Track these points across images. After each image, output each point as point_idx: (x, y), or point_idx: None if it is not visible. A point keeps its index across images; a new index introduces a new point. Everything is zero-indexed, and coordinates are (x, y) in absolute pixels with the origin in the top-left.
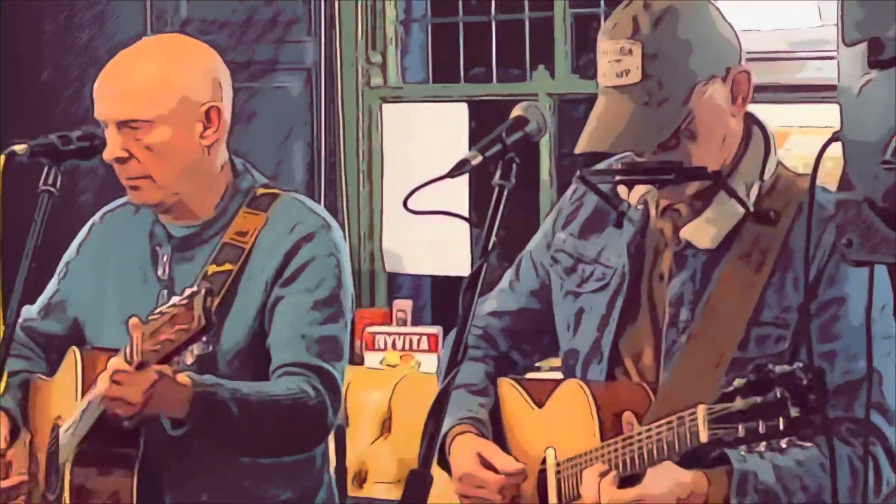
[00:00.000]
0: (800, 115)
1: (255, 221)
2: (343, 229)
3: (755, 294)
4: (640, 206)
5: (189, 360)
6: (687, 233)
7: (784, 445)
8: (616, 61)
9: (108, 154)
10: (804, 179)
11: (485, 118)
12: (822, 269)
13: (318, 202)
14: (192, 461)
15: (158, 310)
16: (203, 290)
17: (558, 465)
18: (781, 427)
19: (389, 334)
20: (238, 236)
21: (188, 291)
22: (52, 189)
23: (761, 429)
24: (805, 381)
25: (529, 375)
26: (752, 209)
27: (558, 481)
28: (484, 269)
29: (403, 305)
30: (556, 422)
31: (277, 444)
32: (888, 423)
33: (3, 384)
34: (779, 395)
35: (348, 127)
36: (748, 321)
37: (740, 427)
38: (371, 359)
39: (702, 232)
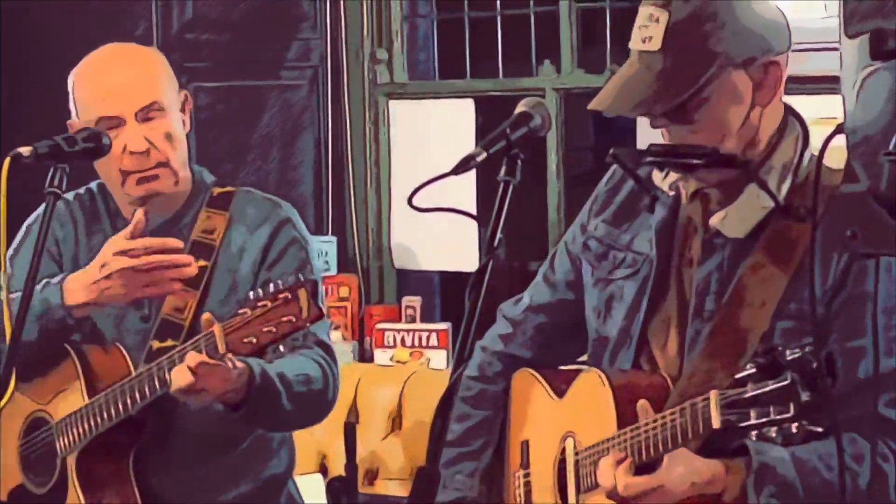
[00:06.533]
0: (807, 107)
1: (219, 220)
2: (351, 226)
3: (781, 287)
4: (671, 192)
5: (283, 349)
6: (716, 221)
7: (794, 430)
8: (644, 27)
9: (135, 146)
10: (838, 174)
11: (492, 113)
12: (848, 265)
13: (326, 199)
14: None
15: (243, 308)
16: (308, 283)
17: (577, 454)
18: (792, 412)
19: (399, 331)
20: (205, 234)
21: (280, 286)
22: (57, 191)
23: (772, 413)
24: (815, 365)
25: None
26: (782, 203)
27: (577, 470)
28: (490, 265)
29: (412, 302)
30: (576, 411)
31: (304, 420)
32: None
33: None
34: (789, 379)
35: (355, 124)
36: (773, 313)
37: (752, 412)
38: (381, 356)
39: (731, 221)
